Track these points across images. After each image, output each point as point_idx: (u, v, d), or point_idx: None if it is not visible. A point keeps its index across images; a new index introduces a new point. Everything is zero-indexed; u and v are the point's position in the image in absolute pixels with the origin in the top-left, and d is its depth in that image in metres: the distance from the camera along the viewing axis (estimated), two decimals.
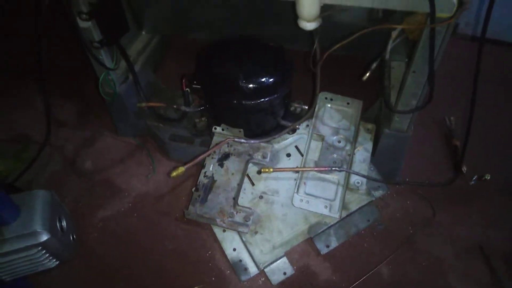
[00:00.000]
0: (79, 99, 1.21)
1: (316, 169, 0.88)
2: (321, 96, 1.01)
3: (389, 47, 0.73)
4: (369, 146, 0.94)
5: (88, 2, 0.81)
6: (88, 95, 1.23)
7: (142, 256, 0.90)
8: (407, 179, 0.98)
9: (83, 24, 0.83)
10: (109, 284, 0.88)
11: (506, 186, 0.99)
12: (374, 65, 0.77)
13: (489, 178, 0.99)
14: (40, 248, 0.72)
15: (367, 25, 0.68)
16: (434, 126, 1.14)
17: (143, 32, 1.13)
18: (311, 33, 0.69)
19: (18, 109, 1.19)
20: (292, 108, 1.01)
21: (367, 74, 0.78)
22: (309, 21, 0.67)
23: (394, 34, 0.71)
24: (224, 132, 0.95)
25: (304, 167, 0.91)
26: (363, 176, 0.87)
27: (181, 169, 0.78)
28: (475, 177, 1.01)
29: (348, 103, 1.00)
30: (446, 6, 0.62)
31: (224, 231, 0.90)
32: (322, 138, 0.96)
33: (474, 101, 0.78)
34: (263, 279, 0.86)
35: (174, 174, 0.77)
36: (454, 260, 0.88)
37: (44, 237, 0.72)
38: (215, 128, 0.96)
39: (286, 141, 0.97)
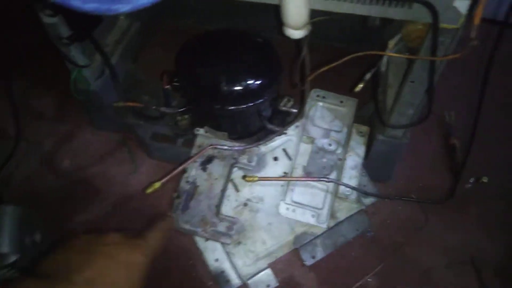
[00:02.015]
0: (57, 89, 1.13)
1: (303, 179, 0.83)
2: (313, 93, 0.94)
3: (385, 59, 0.66)
4: (362, 151, 0.88)
5: None
6: (67, 84, 1.15)
7: None
8: (402, 192, 0.93)
9: (48, 20, 0.75)
10: None
11: (503, 191, 0.94)
12: (368, 75, 0.70)
13: (486, 181, 0.95)
14: (9, 268, 0.69)
15: (361, 33, 0.60)
16: (432, 121, 1.07)
17: (122, 17, 1.04)
18: (298, 41, 0.61)
19: None
20: (280, 105, 0.94)
21: (360, 86, 0.71)
22: (296, 29, 0.59)
23: (391, 44, 0.64)
24: (207, 134, 0.89)
25: (291, 174, 0.86)
26: (353, 188, 0.82)
27: (157, 185, 0.73)
28: (472, 179, 0.96)
29: (341, 102, 0.93)
30: (452, 17, 0.54)
31: (206, 240, 0.86)
32: (312, 140, 0.90)
33: (483, 96, 0.69)
34: None
35: (149, 190, 0.72)
36: (444, 272, 0.85)
37: (13, 258, 0.68)
38: (198, 130, 0.89)
39: (274, 143, 0.91)
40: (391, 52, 0.65)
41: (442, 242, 0.88)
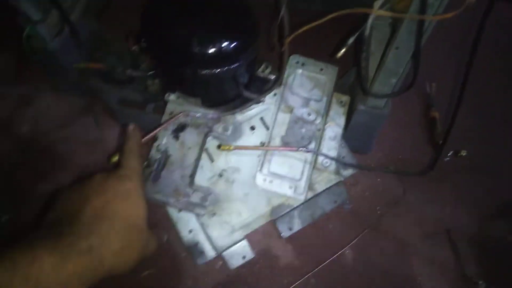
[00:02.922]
0: (12, 49, 1.03)
1: (281, 149, 0.79)
2: (292, 60, 0.88)
3: (370, 21, 0.61)
4: (341, 121, 0.85)
5: None
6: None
7: None
8: (381, 164, 0.91)
9: None
10: None
11: (481, 164, 0.94)
12: (351, 40, 0.65)
13: (465, 154, 0.94)
14: None
15: None
16: (412, 92, 1.04)
17: None
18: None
19: None
20: (258, 71, 0.88)
21: (342, 51, 0.66)
22: None
23: (377, 4, 0.58)
24: (179, 100, 0.83)
25: (269, 144, 0.82)
26: (333, 158, 0.79)
27: None
28: (451, 152, 0.95)
29: (321, 69, 0.88)
30: None
31: (179, 211, 0.82)
32: (290, 109, 0.85)
33: (470, 67, 0.63)
34: (221, 263, 0.82)
35: (114, 159, 0.66)
36: (420, 244, 0.85)
37: None
38: (169, 95, 0.83)
39: (251, 112, 0.86)
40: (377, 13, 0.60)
41: (418, 214, 0.88)
